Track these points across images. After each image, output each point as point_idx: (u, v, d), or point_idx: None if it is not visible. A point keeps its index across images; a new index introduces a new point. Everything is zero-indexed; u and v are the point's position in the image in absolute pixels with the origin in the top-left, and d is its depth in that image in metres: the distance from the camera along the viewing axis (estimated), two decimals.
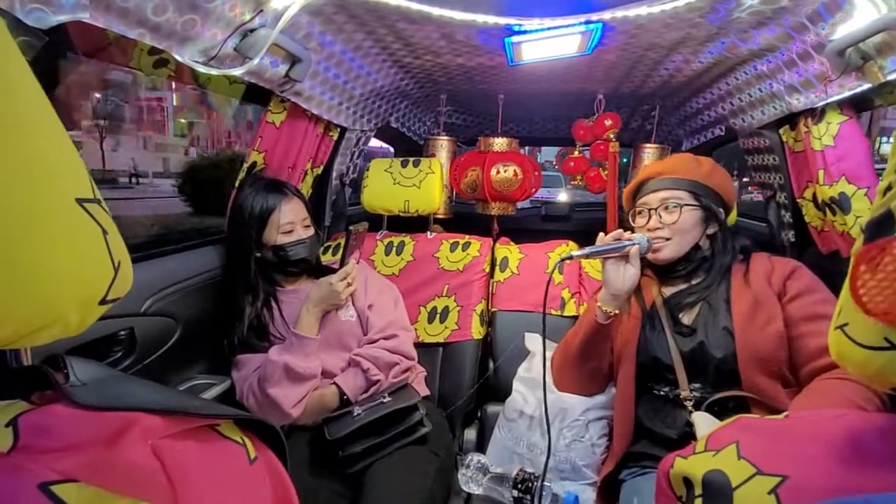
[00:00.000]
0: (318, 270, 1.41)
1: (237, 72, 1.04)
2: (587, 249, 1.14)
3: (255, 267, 1.31)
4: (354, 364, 1.28)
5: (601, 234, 1.16)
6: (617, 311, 1.15)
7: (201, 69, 0.99)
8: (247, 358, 1.27)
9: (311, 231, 1.36)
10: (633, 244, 1.12)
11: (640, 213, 1.23)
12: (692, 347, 1.10)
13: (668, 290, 1.22)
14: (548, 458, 1.12)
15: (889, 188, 0.47)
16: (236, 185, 1.40)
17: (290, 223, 1.30)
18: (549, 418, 1.14)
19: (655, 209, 1.19)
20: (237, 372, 1.27)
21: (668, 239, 1.16)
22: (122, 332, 1.06)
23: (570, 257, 1.14)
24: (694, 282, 1.19)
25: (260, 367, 1.23)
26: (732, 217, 1.69)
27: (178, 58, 0.94)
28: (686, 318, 1.16)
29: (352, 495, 1.11)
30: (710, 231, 1.19)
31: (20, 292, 0.37)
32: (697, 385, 1.10)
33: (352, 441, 1.13)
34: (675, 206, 1.16)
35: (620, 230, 1.15)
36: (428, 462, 1.17)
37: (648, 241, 1.15)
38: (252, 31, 1.00)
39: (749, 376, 1.04)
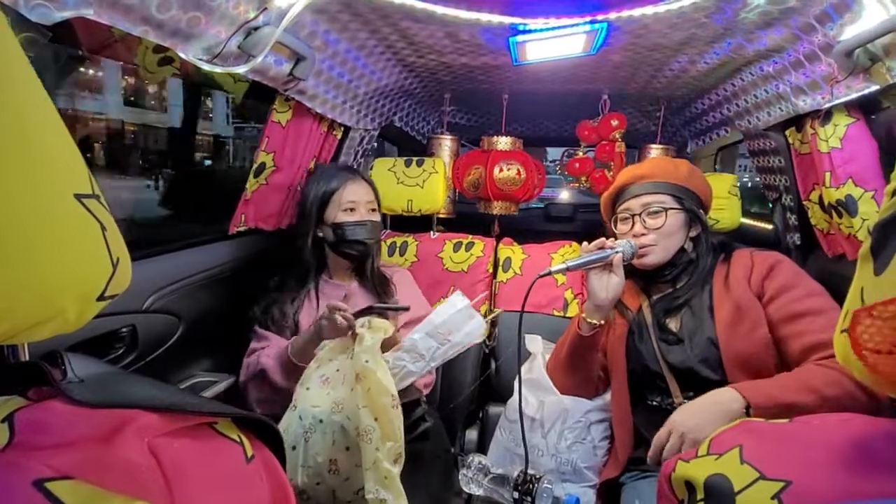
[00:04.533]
0: (369, 272, 1.38)
1: (241, 70, 1.04)
2: (567, 263, 1.11)
3: (311, 247, 1.33)
4: None
5: (584, 244, 1.14)
6: (602, 322, 1.13)
7: (205, 67, 0.99)
8: (267, 334, 1.27)
9: (377, 217, 1.37)
10: (616, 252, 1.10)
11: (623, 219, 1.21)
12: (680, 360, 1.09)
13: (655, 296, 1.21)
14: (525, 452, 1.12)
15: None
16: (247, 188, 1.39)
17: (352, 202, 1.32)
18: (523, 416, 1.15)
19: (639, 214, 1.17)
20: (255, 343, 1.27)
21: (653, 245, 1.15)
22: (124, 330, 1.06)
23: (549, 273, 1.10)
24: (679, 285, 1.18)
25: (267, 349, 1.23)
26: (737, 220, 1.69)
27: (182, 55, 0.94)
28: (672, 325, 1.15)
29: None
30: (693, 233, 1.18)
31: (18, 287, 0.37)
32: (691, 394, 1.08)
33: None
34: (658, 211, 1.15)
35: (603, 238, 1.13)
36: (433, 459, 1.20)
37: (633, 246, 1.13)
38: (256, 29, 1.00)
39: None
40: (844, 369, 0.87)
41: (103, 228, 0.43)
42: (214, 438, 0.47)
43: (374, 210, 1.37)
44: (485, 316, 1.59)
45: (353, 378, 0.98)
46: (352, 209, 1.32)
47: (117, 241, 0.45)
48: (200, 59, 0.96)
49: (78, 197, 0.41)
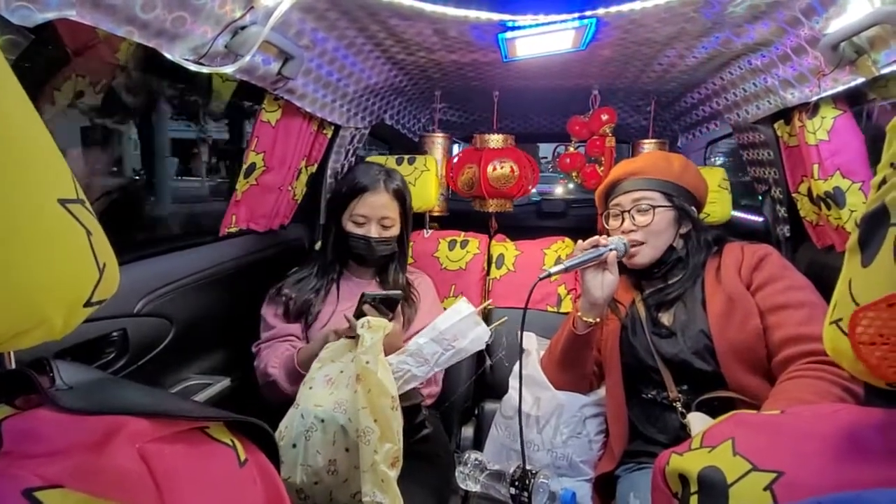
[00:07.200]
0: (391, 277, 1.39)
1: (228, 70, 1.03)
2: (564, 263, 1.10)
3: (333, 242, 1.37)
4: None
5: (579, 242, 1.14)
6: (597, 320, 1.13)
7: (192, 67, 0.98)
8: (274, 322, 1.30)
9: (391, 233, 1.34)
10: (611, 249, 1.10)
11: (614, 215, 1.22)
12: (673, 353, 1.10)
13: (647, 290, 1.21)
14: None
15: (884, 182, 0.47)
16: (237, 188, 1.38)
17: (362, 216, 1.31)
18: (521, 419, 1.15)
19: (628, 211, 1.17)
20: (263, 329, 1.31)
21: (642, 243, 1.15)
22: (115, 334, 1.05)
23: (549, 275, 1.09)
24: (671, 280, 1.18)
25: (272, 359, 1.23)
26: (727, 213, 1.70)
27: (167, 56, 0.92)
28: (665, 318, 1.15)
29: None
30: (684, 230, 1.18)
31: (2, 295, 0.36)
32: (685, 387, 1.09)
33: None
34: (647, 208, 1.15)
35: (597, 236, 1.13)
36: (432, 457, 1.20)
37: (625, 243, 1.14)
38: (243, 28, 0.99)
39: (732, 376, 1.03)
40: (829, 374, 0.88)
41: (89, 233, 0.42)
42: (206, 443, 0.46)
43: (389, 226, 1.33)
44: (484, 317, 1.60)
45: (356, 379, 0.98)
46: (360, 223, 1.31)
47: (104, 246, 0.44)
48: (187, 60, 0.95)
49: (62, 202, 0.40)
